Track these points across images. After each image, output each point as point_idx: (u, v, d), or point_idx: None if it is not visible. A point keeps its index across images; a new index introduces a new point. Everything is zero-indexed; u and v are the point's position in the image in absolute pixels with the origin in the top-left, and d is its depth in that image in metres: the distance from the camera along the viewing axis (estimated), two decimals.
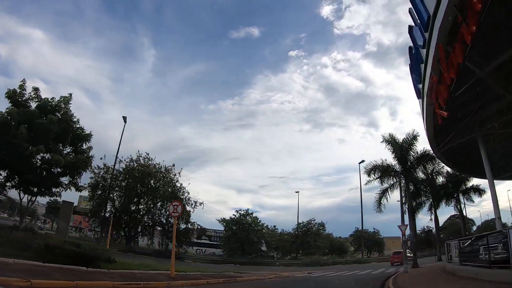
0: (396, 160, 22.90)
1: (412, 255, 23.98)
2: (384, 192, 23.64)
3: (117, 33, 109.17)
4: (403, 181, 22.91)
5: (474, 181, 28.22)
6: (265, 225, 37.62)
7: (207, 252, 42.57)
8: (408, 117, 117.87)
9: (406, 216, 22.08)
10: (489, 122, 13.58)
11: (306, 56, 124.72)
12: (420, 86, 13.12)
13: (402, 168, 22.74)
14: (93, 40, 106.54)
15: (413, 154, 22.64)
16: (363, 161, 38.16)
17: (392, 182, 23.30)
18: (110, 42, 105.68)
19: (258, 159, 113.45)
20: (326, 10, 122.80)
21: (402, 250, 23.81)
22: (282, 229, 44.82)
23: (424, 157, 22.25)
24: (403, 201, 22.23)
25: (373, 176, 23.66)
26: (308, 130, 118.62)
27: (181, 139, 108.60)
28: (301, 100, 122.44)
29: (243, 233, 33.56)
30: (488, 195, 23.81)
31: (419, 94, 14.00)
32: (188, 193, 31.18)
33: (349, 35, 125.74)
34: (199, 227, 34.07)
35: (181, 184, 31.06)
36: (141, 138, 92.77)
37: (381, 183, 23.45)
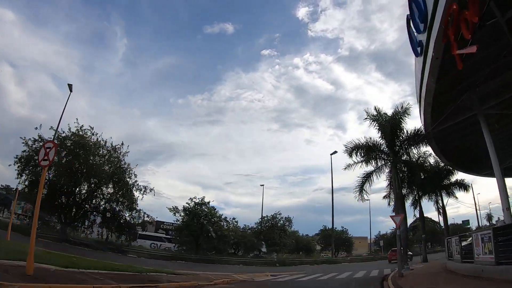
0: (384, 139, 19.96)
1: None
2: (368, 176, 20.65)
3: (89, 19, 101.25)
4: (390, 165, 20.25)
5: (459, 176, 26.19)
6: (223, 216, 33.60)
7: (162, 247, 38.16)
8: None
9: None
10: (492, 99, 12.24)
11: (278, 56, 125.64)
12: (422, 36, 10.00)
13: (390, 149, 19.96)
14: (64, 24, 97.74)
15: (404, 132, 19.89)
16: (335, 152, 36.42)
17: (376, 166, 20.55)
18: (81, 28, 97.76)
19: (224, 156, 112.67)
20: (302, 12, 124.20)
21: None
22: (245, 224, 41.45)
23: (417, 136, 19.23)
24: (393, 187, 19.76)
25: (355, 158, 20.66)
26: (276, 130, 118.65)
27: (148, 132, 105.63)
28: (271, 100, 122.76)
29: (198, 225, 29.38)
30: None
31: (420, 50, 10.81)
32: (136, 175, 26.68)
33: (323, 38, 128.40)
34: (148, 217, 29.39)
35: (128, 165, 26.47)
36: (108, 129, 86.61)
37: (366, 164, 20.52)
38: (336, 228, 48.26)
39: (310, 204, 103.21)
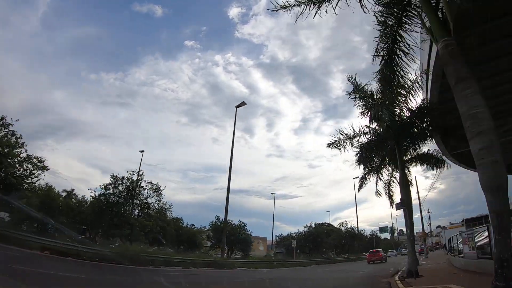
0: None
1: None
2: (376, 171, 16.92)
3: None
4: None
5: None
6: None
7: None
8: (283, 133, 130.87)
9: None
10: None
11: (201, 50, 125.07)
12: None
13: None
14: None
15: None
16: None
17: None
18: None
19: (129, 142, 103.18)
20: (234, 12, 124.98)
21: (379, 249, 33.59)
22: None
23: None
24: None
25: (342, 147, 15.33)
26: (185, 123, 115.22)
27: (53, 104, 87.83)
28: (185, 92, 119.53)
29: None
30: None
31: None
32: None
33: (248, 41, 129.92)
34: None
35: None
36: (9, 93, 69.22)
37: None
38: (231, 221, 36.78)
39: (209, 202, 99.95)
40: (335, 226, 59.89)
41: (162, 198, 29.53)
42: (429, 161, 16.92)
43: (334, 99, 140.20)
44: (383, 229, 79.19)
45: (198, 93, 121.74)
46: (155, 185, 28.78)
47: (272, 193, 51.48)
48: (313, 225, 52.71)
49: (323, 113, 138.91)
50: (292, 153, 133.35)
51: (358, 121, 23.12)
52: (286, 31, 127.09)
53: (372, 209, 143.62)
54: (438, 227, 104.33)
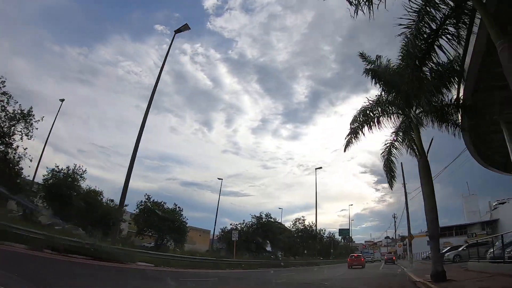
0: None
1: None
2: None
3: None
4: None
5: None
6: None
7: None
8: (241, 130, 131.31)
9: None
10: None
11: (169, 36, 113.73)
12: None
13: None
14: None
15: None
16: None
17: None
18: None
19: (85, 121, 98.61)
20: (210, 2, 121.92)
21: (360, 253, 39.78)
22: None
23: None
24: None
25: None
26: (145, 109, 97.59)
27: (12, 72, 73.61)
28: (148, 77, 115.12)
29: None
30: None
31: None
32: None
33: (219, 34, 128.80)
34: None
35: None
36: None
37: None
38: (164, 202, 29.52)
39: (160, 192, 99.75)
40: (287, 226, 51.46)
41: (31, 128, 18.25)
42: None
43: (296, 104, 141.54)
44: (343, 232, 71.92)
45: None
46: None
47: (219, 178, 43.64)
48: (264, 216, 39.61)
49: (283, 116, 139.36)
50: (248, 151, 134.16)
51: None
52: (259, 30, 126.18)
53: (324, 215, 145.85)
54: (387, 237, 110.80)
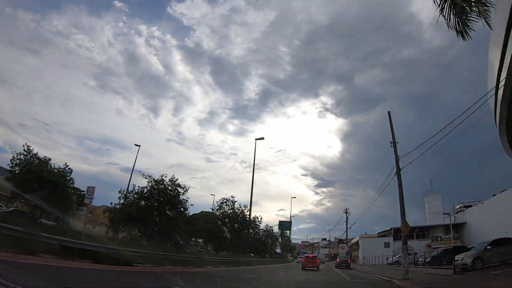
0: None
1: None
2: None
3: None
4: None
5: None
6: None
7: None
8: (188, 121, 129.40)
9: None
10: None
11: (128, 15, 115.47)
12: None
13: None
14: None
15: None
16: None
17: None
18: None
19: (28, 93, 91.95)
20: None
21: (315, 255, 35.43)
22: None
23: None
24: None
25: None
26: (92, 87, 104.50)
27: None
28: (100, 54, 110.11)
29: None
30: None
31: None
32: None
33: (178, 21, 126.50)
34: None
35: None
36: None
37: None
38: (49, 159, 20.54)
39: (99, 177, 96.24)
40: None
41: None
42: None
43: (246, 100, 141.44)
44: (283, 225, 59.85)
45: (113, 59, 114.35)
46: None
47: (136, 145, 32.50)
48: (165, 178, 21.98)
49: (232, 111, 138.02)
50: (192, 143, 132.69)
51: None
52: (219, 22, 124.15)
53: (263, 213, 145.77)
54: (324, 239, 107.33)
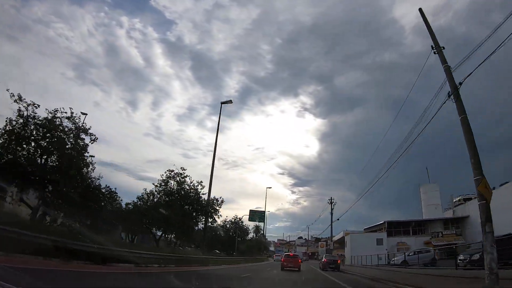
0: None
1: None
2: None
3: None
4: None
5: None
6: None
7: None
8: (166, 116, 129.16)
9: None
10: None
11: (110, 5, 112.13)
12: None
13: None
14: None
15: None
16: None
17: None
18: None
19: (3, 81, 62.81)
20: None
21: (296, 254, 30.00)
22: None
23: None
24: None
25: None
26: (70, 78, 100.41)
27: None
28: (79, 44, 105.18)
29: None
30: None
31: None
32: None
33: (161, 13, 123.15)
34: None
35: None
36: None
37: None
38: None
39: None
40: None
41: None
42: None
43: (225, 97, 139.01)
44: (256, 215, 53.53)
45: (93, 50, 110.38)
46: None
47: (82, 113, 18.64)
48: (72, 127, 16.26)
49: (211, 108, 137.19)
50: (170, 138, 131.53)
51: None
52: (202, 16, 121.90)
53: (239, 211, 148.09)
54: (300, 238, 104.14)
